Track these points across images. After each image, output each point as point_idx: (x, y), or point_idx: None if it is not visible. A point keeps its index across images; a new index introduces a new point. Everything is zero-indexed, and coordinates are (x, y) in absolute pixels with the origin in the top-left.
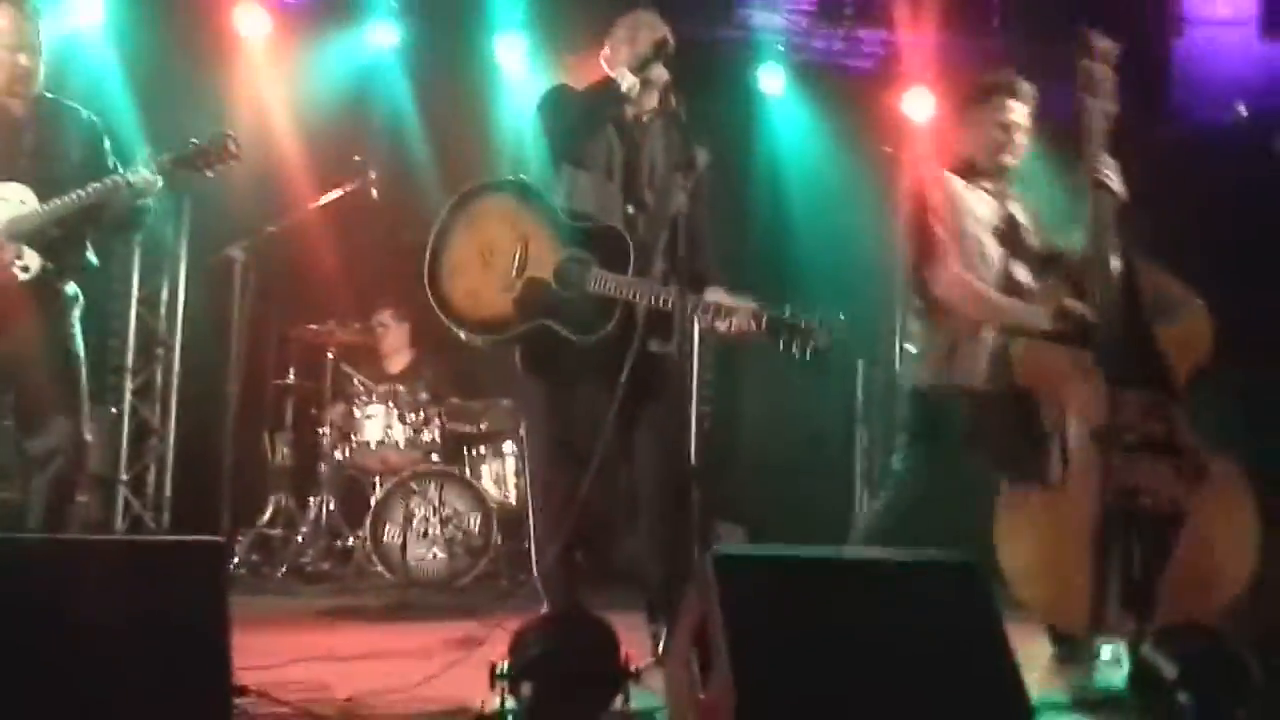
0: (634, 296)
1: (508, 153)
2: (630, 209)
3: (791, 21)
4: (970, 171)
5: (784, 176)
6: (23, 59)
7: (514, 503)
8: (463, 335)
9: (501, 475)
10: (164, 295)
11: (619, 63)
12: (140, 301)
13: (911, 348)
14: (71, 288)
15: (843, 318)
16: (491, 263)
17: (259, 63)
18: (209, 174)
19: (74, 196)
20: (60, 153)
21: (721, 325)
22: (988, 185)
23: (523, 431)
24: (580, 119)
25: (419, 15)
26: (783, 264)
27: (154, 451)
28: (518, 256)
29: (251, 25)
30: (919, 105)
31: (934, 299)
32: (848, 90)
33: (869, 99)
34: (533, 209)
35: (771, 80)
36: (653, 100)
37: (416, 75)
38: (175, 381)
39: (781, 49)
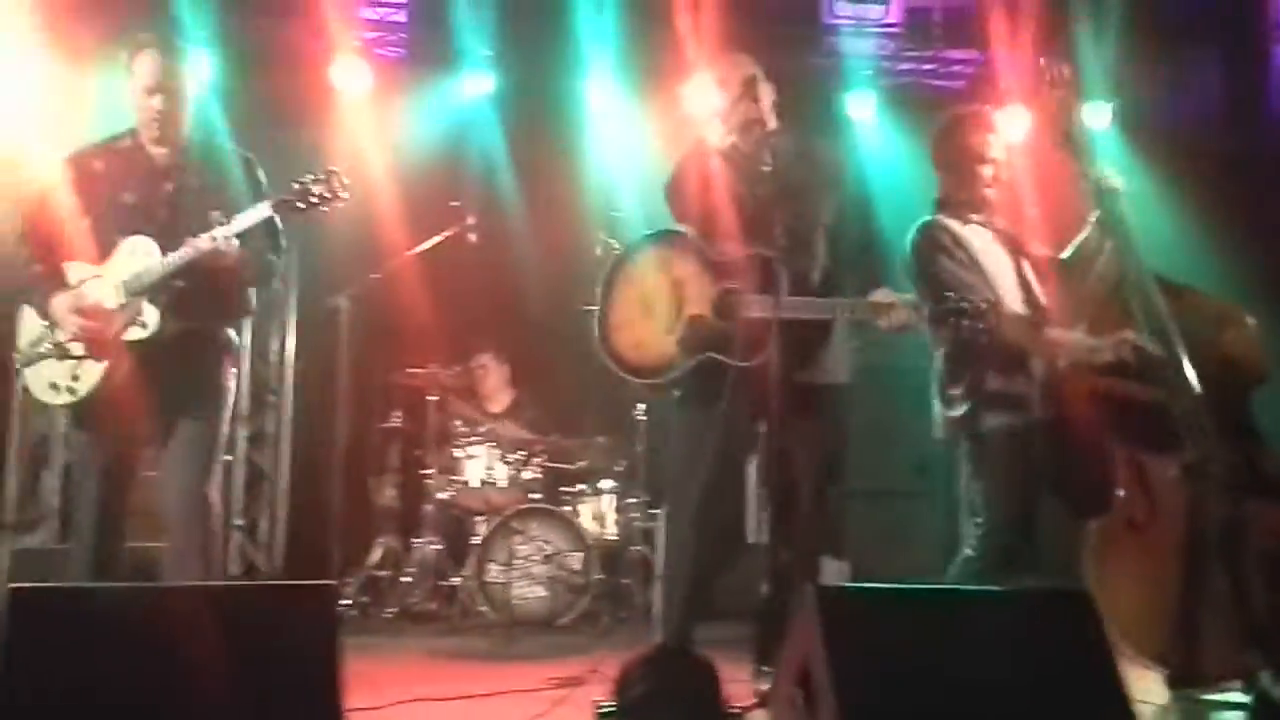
0: (783, 312)
1: (600, 193)
2: (750, 250)
3: (879, 45)
4: (957, 208)
5: (878, 202)
6: (157, 103)
7: (612, 539)
8: (638, 385)
9: (600, 513)
10: (274, 344)
11: (710, 107)
12: (253, 351)
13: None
14: (225, 335)
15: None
16: (652, 311)
17: (357, 115)
18: (316, 213)
19: (187, 249)
20: (202, 198)
21: (884, 322)
22: (976, 219)
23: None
24: (697, 185)
25: (512, 63)
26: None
27: (267, 497)
28: (674, 299)
29: (350, 78)
30: (1012, 124)
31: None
32: (939, 112)
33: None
34: (683, 253)
35: (862, 106)
36: (759, 133)
37: (510, 121)
38: (286, 429)
39: (870, 73)
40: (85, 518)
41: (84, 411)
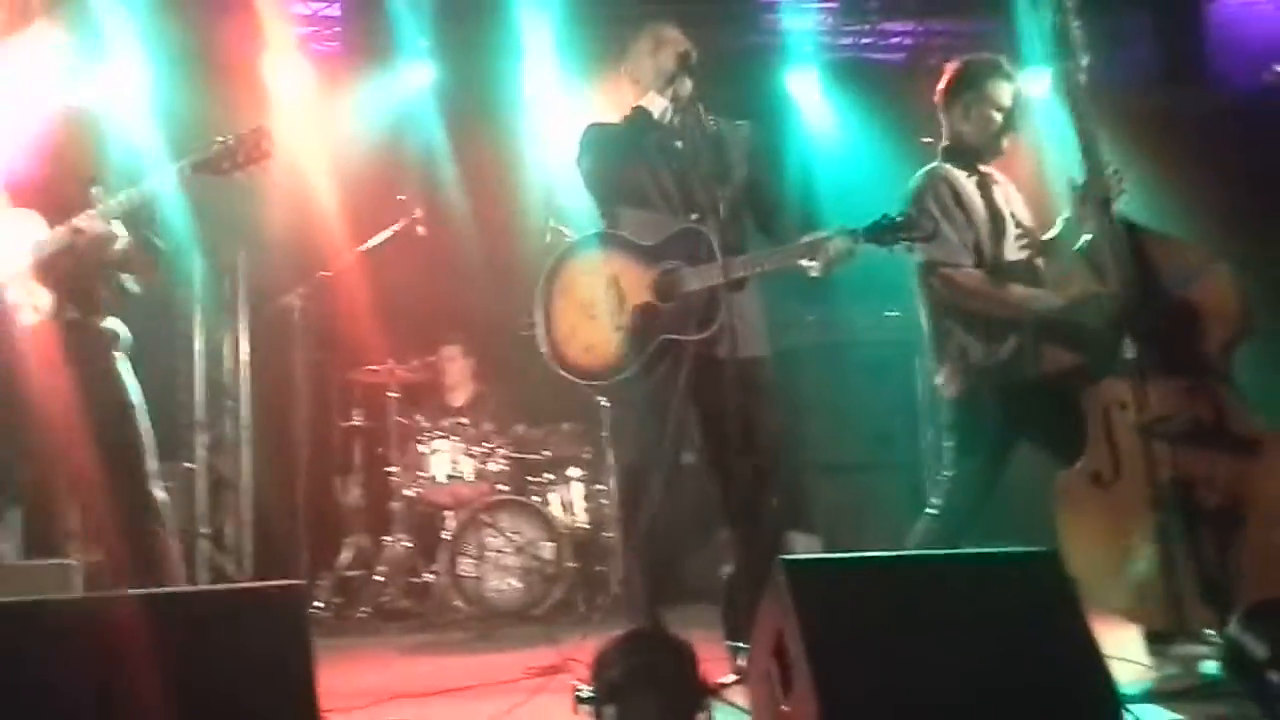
0: (730, 274)
1: (541, 181)
2: (694, 217)
3: (816, 21)
4: (966, 156)
5: (819, 177)
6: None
7: (582, 527)
8: (601, 389)
9: (569, 501)
10: (226, 348)
11: (644, 80)
12: (205, 355)
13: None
14: (110, 324)
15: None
16: (595, 313)
17: (295, 112)
18: (242, 173)
19: (75, 224)
20: (85, 173)
21: (822, 258)
22: (983, 169)
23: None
24: (622, 157)
25: (449, 53)
26: None
27: (230, 503)
28: (614, 295)
29: (286, 76)
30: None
31: (943, 298)
32: (878, 85)
33: (900, 92)
34: (610, 250)
35: (801, 81)
36: (683, 110)
37: (451, 111)
38: (246, 433)
39: (808, 49)
40: None
41: None
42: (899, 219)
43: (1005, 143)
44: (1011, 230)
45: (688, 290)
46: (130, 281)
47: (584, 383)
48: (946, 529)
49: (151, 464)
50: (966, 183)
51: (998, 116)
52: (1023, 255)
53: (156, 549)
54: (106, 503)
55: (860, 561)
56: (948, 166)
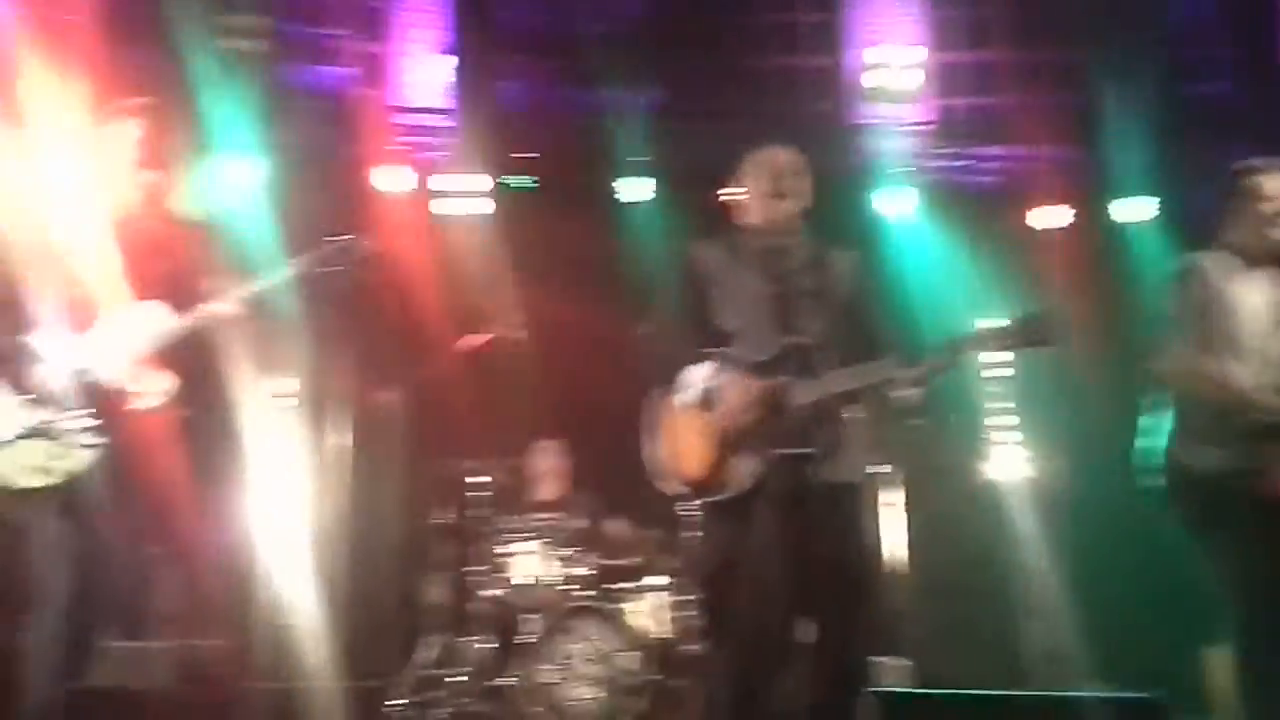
0: (839, 387)
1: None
2: (786, 340)
3: (911, 143)
4: (1243, 256)
5: (913, 297)
6: (148, 174)
7: (667, 637)
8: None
9: (653, 609)
10: (328, 440)
11: (755, 196)
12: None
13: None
14: (224, 423)
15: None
16: (704, 430)
17: (400, 216)
18: (345, 276)
19: (194, 315)
20: (197, 275)
21: (915, 391)
22: (1264, 268)
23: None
24: (724, 275)
25: (549, 160)
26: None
27: (318, 596)
28: (722, 411)
29: (393, 181)
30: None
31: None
32: (972, 208)
33: (995, 215)
34: (718, 366)
35: (894, 203)
36: (791, 228)
37: (545, 218)
38: (344, 524)
39: (903, 171)
40: (55, 615)
41: (70, 494)
42: (1014, 322)
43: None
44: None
45: (797, 405)
46: (240, 383)
47: (698, 497)
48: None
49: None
50: (1235, 283)
51: (1267, 214)
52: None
53: (272, 639)
54: (223, 590)
55: (957, 696)
56: (1203, 255)
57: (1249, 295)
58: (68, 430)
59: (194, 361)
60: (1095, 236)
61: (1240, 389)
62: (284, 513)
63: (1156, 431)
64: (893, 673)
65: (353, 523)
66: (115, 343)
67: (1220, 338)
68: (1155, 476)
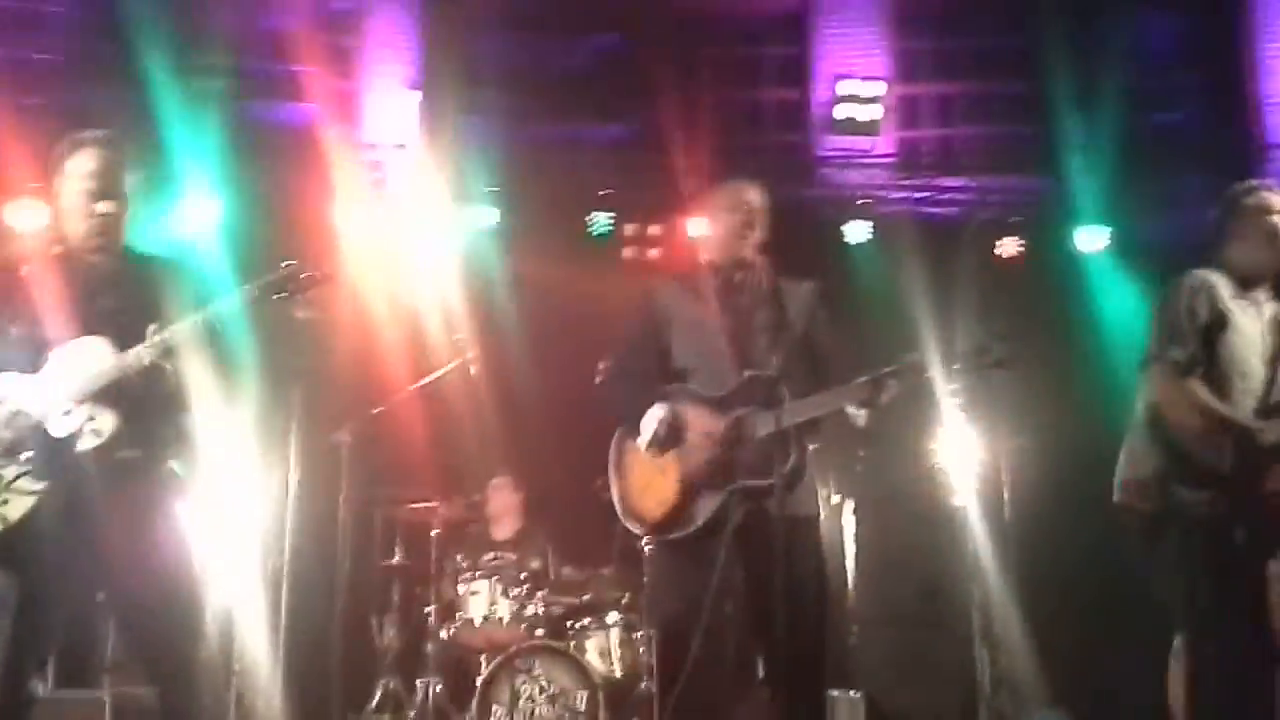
0: (798, 417)
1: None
2: (749, 371)
3: (871, 175)
4: (1239, 276)
5: (874, 326)
6: (102, 207)
7: (619, 676)
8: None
9: (606, 648)
10: (274, 481)
11: (719, 233)
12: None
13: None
14: (171, 465)
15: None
16: (665, 467)
17: (357, 253)
18: (305, 298)
19: (137, 353)
20: (148, 311)
21: (887, 396)
22: (1258, 295)
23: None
24: (683, 311)
25: (513, 197)
26: None
27: (267, 639)
28: (684, 448)
29: (350, 218)
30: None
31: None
32: (933, 239)
33: (955, 246)
34: (678, 403)
35: (856, 234)
36: (749, 261)
37: (512, 252)
38: (287, 568)
39: (863, 203)
40: None
41: (11, 542)
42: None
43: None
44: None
45: (757, 437)
46: (187, 422)
47: (654, 535)
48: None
49: (200, 604)
50: (1226, 290)
51: (1269, 243)
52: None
53: (207, 686)
54: (161, 639)
55: None
56: (1207, 271)
57: (1245, 316)
58: (7, 475)
59: (140, 400)
60: (1054, 265)
61: (1237, 422)
62: (232, 554)
63: (1143, 456)
64: (844, 706)
65: (302, 563)
66: (59, 381)
67: (1223, 356)
68: (1142, 503)
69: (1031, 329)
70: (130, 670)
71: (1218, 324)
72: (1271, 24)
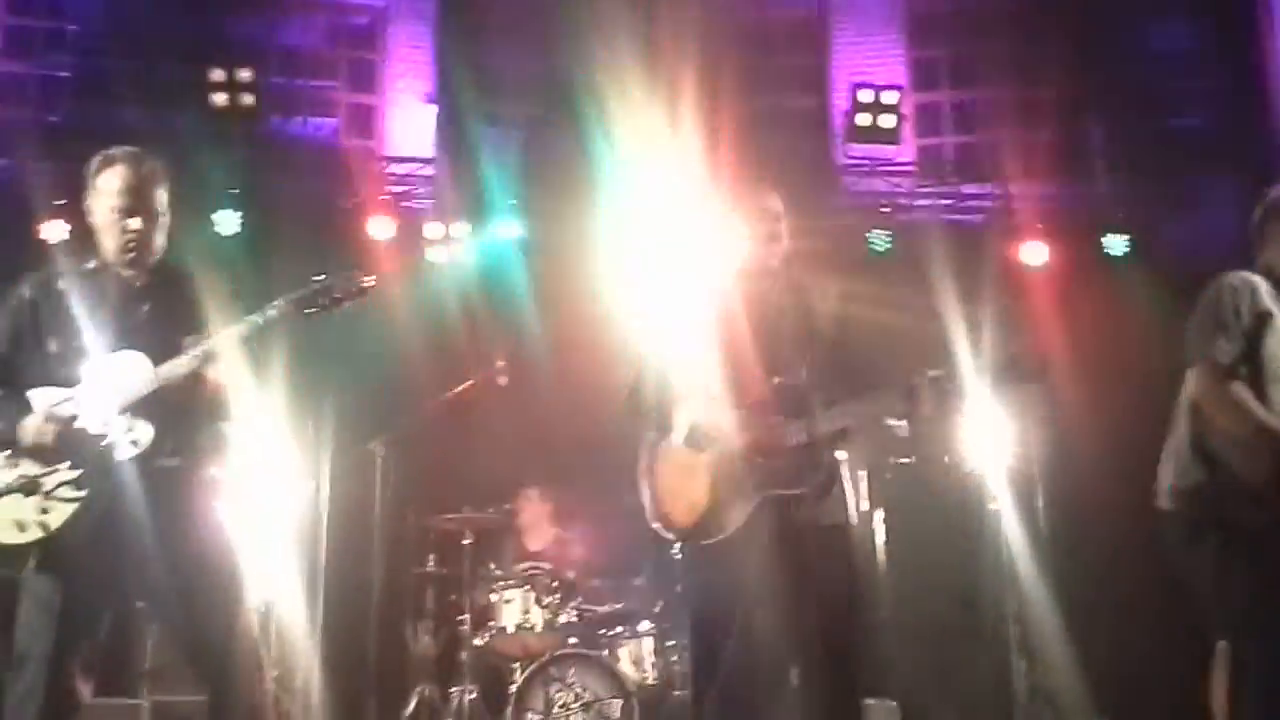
0: (829, 426)
1: (624, 335)
2: (779, 378)
3: (894, 184)
4: (1274, 278)
5: (900, 335)
6: (133, 223)
7: (652, 683)
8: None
9: (639, 655)
10: (308, 490)
11: (745, 239)
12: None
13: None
14: (209, 473)
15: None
16: (695, 472)
17: (385, 263)
18: (337, 310)
19: (176, 364)
20: (182, 323)
21: (929, 408)
22: None
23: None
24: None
25: (537, 210)
26: None
27: (303, 644)
28: (714, 454)
29: (378, 229)
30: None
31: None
32: (955, 245)
33: (978, 252)
34: (710, 412)
35: (878, 241)
36: (775, 269)
37: (536, 265)
38: (320, 576)
39: (886, 210)
40: (36, 669)
41: (53, 549)
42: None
43: None
44: None
45: (787, 446)
46: (224, 431)
47: (685, 540)
48: None
49: (242, 608)
50: (1271, 296)
51: None
52: None
53: (256, 693)
54: (204, 642)
55: None
56: (1251, 274)
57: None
58: (49, 484)
59: (177, 410)
60: (1077, 269)
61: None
62: (268, 563)
63: (1187, 462)
64: (880, 715)
65: (338, 569)
66: (97, 394)
67: (1265, 358)
68: (1187, 509)
69: (1055, 334)
70: (169, 678)
71: (1259, 325)
72: None
